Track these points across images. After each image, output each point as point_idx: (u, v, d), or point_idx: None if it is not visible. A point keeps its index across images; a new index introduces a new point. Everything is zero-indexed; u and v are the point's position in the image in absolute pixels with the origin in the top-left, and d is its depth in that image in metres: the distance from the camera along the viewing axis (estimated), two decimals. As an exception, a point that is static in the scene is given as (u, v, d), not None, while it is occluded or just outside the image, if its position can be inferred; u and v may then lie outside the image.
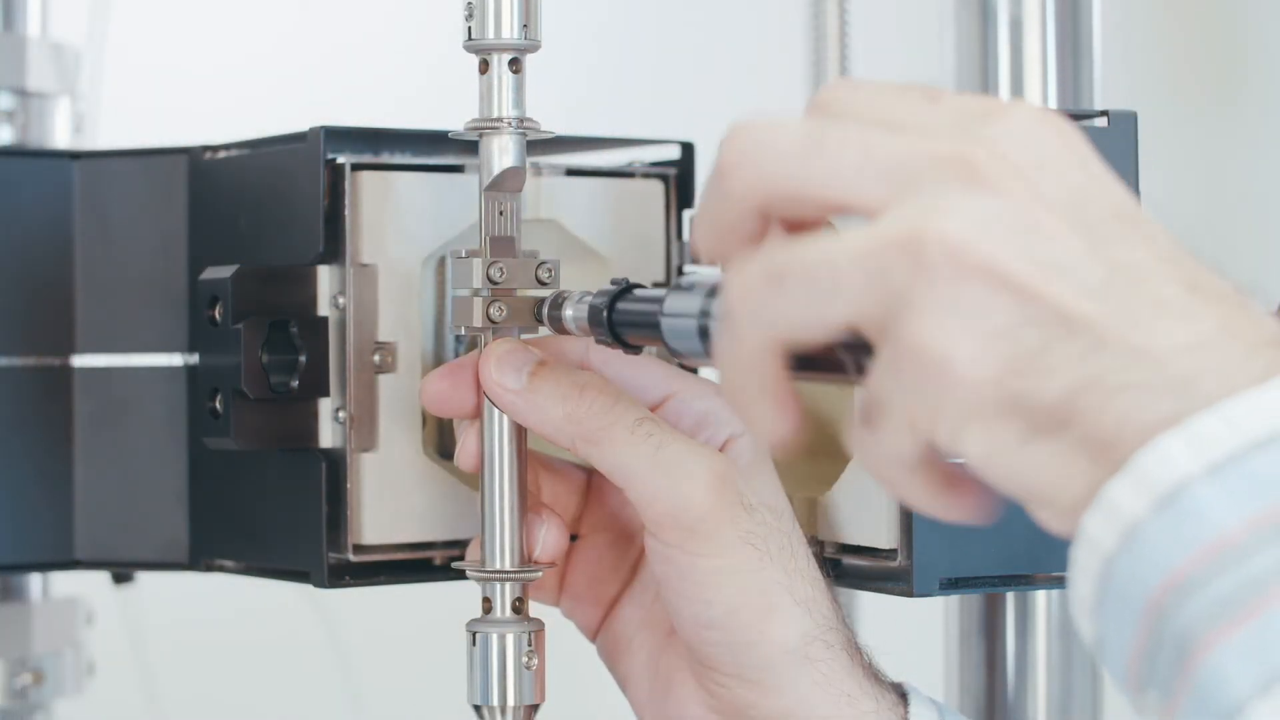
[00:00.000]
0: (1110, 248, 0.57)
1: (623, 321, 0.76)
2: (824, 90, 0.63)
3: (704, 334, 0.69)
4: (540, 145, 0.84)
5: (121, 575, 1.09)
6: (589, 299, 0.78)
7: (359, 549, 0.84)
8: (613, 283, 0.77)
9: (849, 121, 0.60)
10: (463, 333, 0.81)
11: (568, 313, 0.79)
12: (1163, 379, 0.55)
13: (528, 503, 0.80)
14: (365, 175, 0.84)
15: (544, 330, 0.81)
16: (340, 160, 0.84)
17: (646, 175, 0.91)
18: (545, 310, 0.80)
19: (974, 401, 0.56)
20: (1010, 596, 1.09)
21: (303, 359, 0.84)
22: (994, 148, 0.58)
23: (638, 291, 0.76)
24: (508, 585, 0.80)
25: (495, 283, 0.80)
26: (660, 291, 0.73)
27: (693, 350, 0.70)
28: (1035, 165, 0.58)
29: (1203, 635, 0.53)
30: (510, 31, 0.79)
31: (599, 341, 0.78)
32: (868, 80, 0.63)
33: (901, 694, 0.79)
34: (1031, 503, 0.58)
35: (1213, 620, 0.53)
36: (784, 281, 0.59)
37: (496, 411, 0.79)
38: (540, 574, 0.80)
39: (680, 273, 0.91)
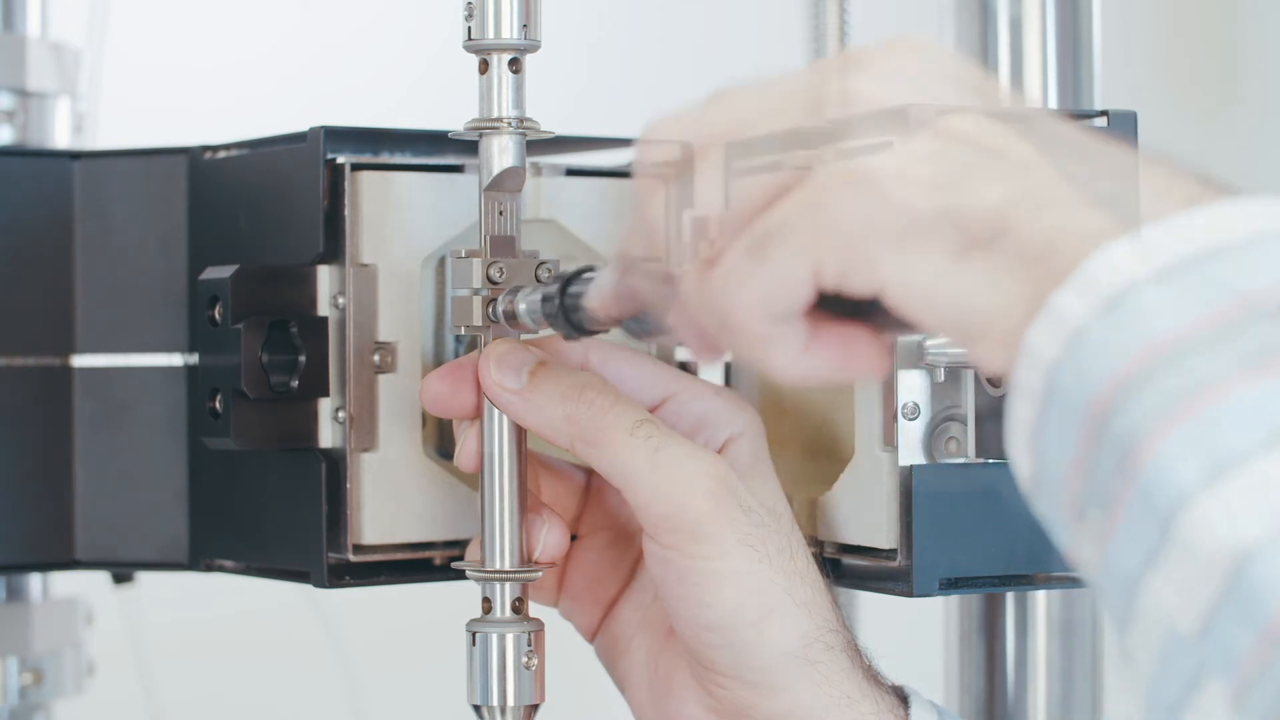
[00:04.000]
0: (1014, 104, 0.59)
1: (578, 306, 0.74)
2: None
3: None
4: (540, 145, 0.84)
5: (121, 575, 1.09)
6: (541, 288, 0.77)
7: (359, 549, 0.84)
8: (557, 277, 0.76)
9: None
10: (463, 333, 0.81)
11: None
12: (1091, 195, 0.55)
13: (528, 503, 0.80)
14: (365, 175, 0.84)
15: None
16: (340, 160, 0.84)
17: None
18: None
19: (904, 218, 0.56)
20: (1010, 596, 1.09)
21: (303, 359, 0.83)
22: (876, 51, 0.61)
23: (586, 275, 0.74)
24: (507, 585, 0.80)
25: (495, 283, 0.80)
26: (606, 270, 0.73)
27: (654, 326, 0.70)
28: (919, 52, 0.61)
29: (1146, 432, 0.51)
30: (510, 31, 0.79)
31: (560, 335, 0.77)
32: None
33: (902, 696, 0.79)
34: (965, 333, 0.57)
35: (1157, 416, 0.51)
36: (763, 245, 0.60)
37: (496, 412, 0.79)
38: (540, 574, 0.80)
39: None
